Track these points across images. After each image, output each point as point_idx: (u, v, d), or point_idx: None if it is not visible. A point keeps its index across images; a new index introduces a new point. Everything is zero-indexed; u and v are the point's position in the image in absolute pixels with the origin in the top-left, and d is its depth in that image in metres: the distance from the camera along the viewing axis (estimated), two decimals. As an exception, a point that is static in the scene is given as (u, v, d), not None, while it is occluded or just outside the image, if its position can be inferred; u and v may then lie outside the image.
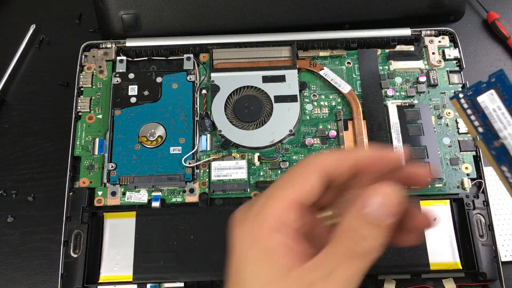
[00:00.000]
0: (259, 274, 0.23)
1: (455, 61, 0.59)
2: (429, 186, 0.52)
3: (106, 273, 0.50)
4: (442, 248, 0.50)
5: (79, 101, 0.56)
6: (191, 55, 0.58)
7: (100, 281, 0.49)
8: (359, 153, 0.27)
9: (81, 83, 0.57)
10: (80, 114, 0.56)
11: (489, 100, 0.25)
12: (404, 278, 0.49)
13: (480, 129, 0.26)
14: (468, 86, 0.29)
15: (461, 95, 0.26)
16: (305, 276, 0.23)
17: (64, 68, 0.61)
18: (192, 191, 0.52)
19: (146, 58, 0.59)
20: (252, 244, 0.24)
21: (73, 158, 0.54)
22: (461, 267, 0.49)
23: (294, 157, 0.54)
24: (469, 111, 0.26)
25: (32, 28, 0.63)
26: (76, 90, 0.57)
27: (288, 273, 0.23)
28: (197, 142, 0.54)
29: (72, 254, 0.50)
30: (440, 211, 0.51)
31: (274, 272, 0.23)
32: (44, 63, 0.63)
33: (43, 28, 0.64)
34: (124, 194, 0.52)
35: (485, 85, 0.25)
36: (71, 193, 0.52)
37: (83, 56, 0.59)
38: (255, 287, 0.23)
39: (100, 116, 0.56)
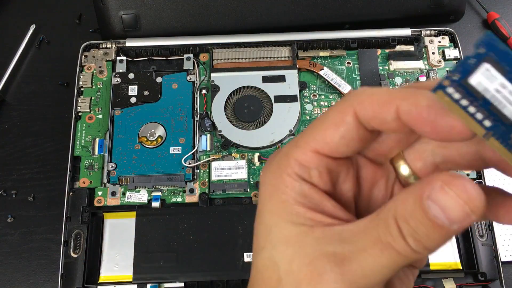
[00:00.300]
0: (277, 227, 0.20)
1: (455, 61, 0.59)
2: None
3: (106, 273, 0.50)
4: (442, 248, 0.50)
5: (79, 101, 0.56)
6: (191, 55, 0.58)
7: (100, 281, 0.49)
8: (405, 102, 0.18)
9: (81, 83, 0.57)
10: (80, 114, 0.56)
11: (487, 79, 0.18)
12: (404, 278, 0.49)
13: (487, 123, 0.18)
14: (453, 68, 0.20)
15: (446, 83, 0.18)
16: (326, 243, 0.19)
17: (64, 68, 0.61)
18: (192, 191, 0.52)
19: (146, 58, 0.59)
20: (272, 193, 0.20)
21: (73, 158, 0.54)
22: (461, 267, 0.49)
23: (294, 157, 0.54)
24: (464, 102, 0.18)
25: (32, 28, 0.63)
26: (76, 90, 0.57)
27: (309, 230, 0.19)
28: (197, 142, 0.54)
29: (72, 254, 0.50)
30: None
31: (293, 227, 0.20)
32: (44, 63, 0.63)
33: (43, 28, 0.64)
34: (124, 194, 0.52)
35: (474, 60, 0.18)
36: (71, 193, 0.52)
37: (83, 56, 0.59)
38: (272, 239, 0.20)
39: (100, 116, 0.56)
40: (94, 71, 0.58)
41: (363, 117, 0.19)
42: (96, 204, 0.52)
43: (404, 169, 0.21)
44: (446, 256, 0.50)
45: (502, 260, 0.50)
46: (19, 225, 0.54)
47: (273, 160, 0.21)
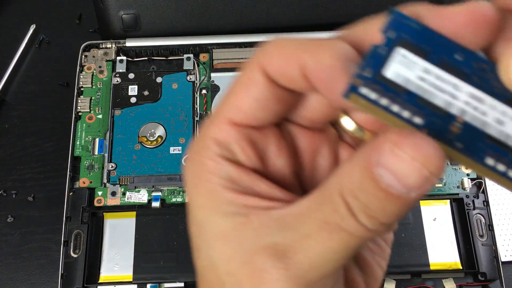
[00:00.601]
0: (210, 222, 0.17)
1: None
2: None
3: (106, 273, 0.50)
4: (442, 248, 0.50)
5: (79, 101, 0.56)
6: (191, 55, 0.58)
7: (100, 281, 0.49)
8: (309, 56, 0.15)
9: (81, 83, 0.57)
10: (80, 114, 0.56)
11: (405, 67, 0.14)
12: (404, 278, 0.49)
13: (418, 120, 0.14)
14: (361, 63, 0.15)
15: (358, 82, 0.15)
16: (265, 233, 0.16)
17: (64, 68, 0.61)
18: (192, 191, 0.52)
19: (146, 58, 0.59)
20: (196, 184, 0.17)
21: (73, 158, 0.54)
22: (461, 267, 0.49)
23: (294, 157, 0.54)
24: (384, 101, 0.14)
25: (32, 28, 0.63)
26: (76, 90, 0.57)
27: (246, 220, 0.16)
28: (197, 142, 0.54)
29: (72, 254, 0.50)
30: (440, 211, 0.51)
31: (227, 219, 0.16)
32: (44, 63, 0.63)
33: (43, 28, 0.64)
34: (124, 194, 0.52)
35: (385, 48, 0.15)
36: (71, 193, 0.52)
37: (83, 56, 0.59)
38: (207, 237, 0.17)
39: (100, 116, 0.56)
40: (94, 71, 0.58)
41: (272, 74, 0.16)
42: (96, 204, 0.52)
43: (347, 123, 0.18)
44: (446, 256, 0.50)
45: (502, 260, 0.50)
46: (19, 225, 0.54)
47: (193, 145, 0.18)
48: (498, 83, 0.15)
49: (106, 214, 0.52)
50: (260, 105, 0.17)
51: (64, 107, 0.59)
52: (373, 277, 0.19)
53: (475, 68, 0.15)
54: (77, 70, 0.58)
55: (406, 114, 0.15)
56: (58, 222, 0.52)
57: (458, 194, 0.52)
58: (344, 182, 0.15)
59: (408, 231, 0.50)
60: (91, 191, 0.53)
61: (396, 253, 0.49)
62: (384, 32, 0.15)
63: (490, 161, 0.15)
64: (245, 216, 0.16)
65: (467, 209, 0.51)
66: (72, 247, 0.50)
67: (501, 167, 0.15)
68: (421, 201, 0.51)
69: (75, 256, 0.50)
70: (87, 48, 0.59)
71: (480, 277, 0.49)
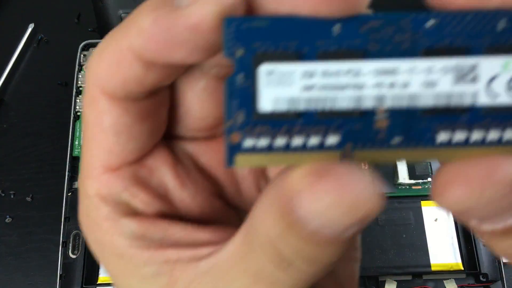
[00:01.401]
0: None
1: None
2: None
3: (105, 274, 0.49)
4: (443, 248, 0.50)
5: (78, 100, 0.56)
6: (191, 55, 0.58)
7: (98, 282, 0.49)
8: (134, 36, 0.12)
9: (79, 82, 0.57)
10: (78, 114, 0.56)
11: (280, 84, 0.11)
12: (405, 279, 0.49)
13: (332, 140, 0.11)
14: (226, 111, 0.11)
15: (236, 138, 0.11)
16: None
17: (63, 68, 0.61)
18: (191, 191, 0.52)
19: (145, 57, 0.59)
20: (104, 254, 0.15)
21: (72, 158, 0.54)
22: (462, 268, 0.49)
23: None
24: (280, 142, 0.11)
25: (30, 27, 0.63)
26: (74, 90, 0.56)
27: (170, 281, 0.14)
28: (197, 142, 0.54)
29: (70, 255, 0.49)
30: (441, 212, 0.51)
31: (150, 285, 0.14)
32: (42, 63, 0.62)
33: (41, 27, 0.64)
34: (123, 194, 0.52)
35: (241, 75, 0.11)
36: (70, 193, 0.52)
37: (81, 55, 0.58)
38: None
39: (99, 116, 0.56)
40: (93, 71, 0.58)
41: (114, 91, 0.13)
42: (95, 204, 0.52)
43: None
44: (448, 256, 0.49)
45: (504, 261, 0.50)
46: (17, 226, 0.54)
47: (80, 210, 0.15)
48: (401, 34, 0.11)
49: (105, 215, 0.51)
50: (125, 136, 0.13)
51: (63, 107, 0.59)
52: (349, 272, 0.17)
53: (364, 34, 0.11)
54: (76, 69, 0.57)
55: (314, 140, 0.11)
56: (57, 222, 0.52)
57: (459, 194, 0.52)
58: (267, 227, 0.12)
59: (409, 232, 0.49)
60: (90, 192, 0.52)
61: (397, 253, 0.49)
62: (228, 54, 0.11)
63: (443, 136, 0.11)
64: (169, 275, 0.13)
65: (468, 210, 0.50)
66: (70, 247, 0.50)
67: (460, 136, 0.11)
68: (422, 202, 0.51)
69: (73, 256, 0.49)
70: (86, 48, 0.59)
71: (481, 278, 0.49)
